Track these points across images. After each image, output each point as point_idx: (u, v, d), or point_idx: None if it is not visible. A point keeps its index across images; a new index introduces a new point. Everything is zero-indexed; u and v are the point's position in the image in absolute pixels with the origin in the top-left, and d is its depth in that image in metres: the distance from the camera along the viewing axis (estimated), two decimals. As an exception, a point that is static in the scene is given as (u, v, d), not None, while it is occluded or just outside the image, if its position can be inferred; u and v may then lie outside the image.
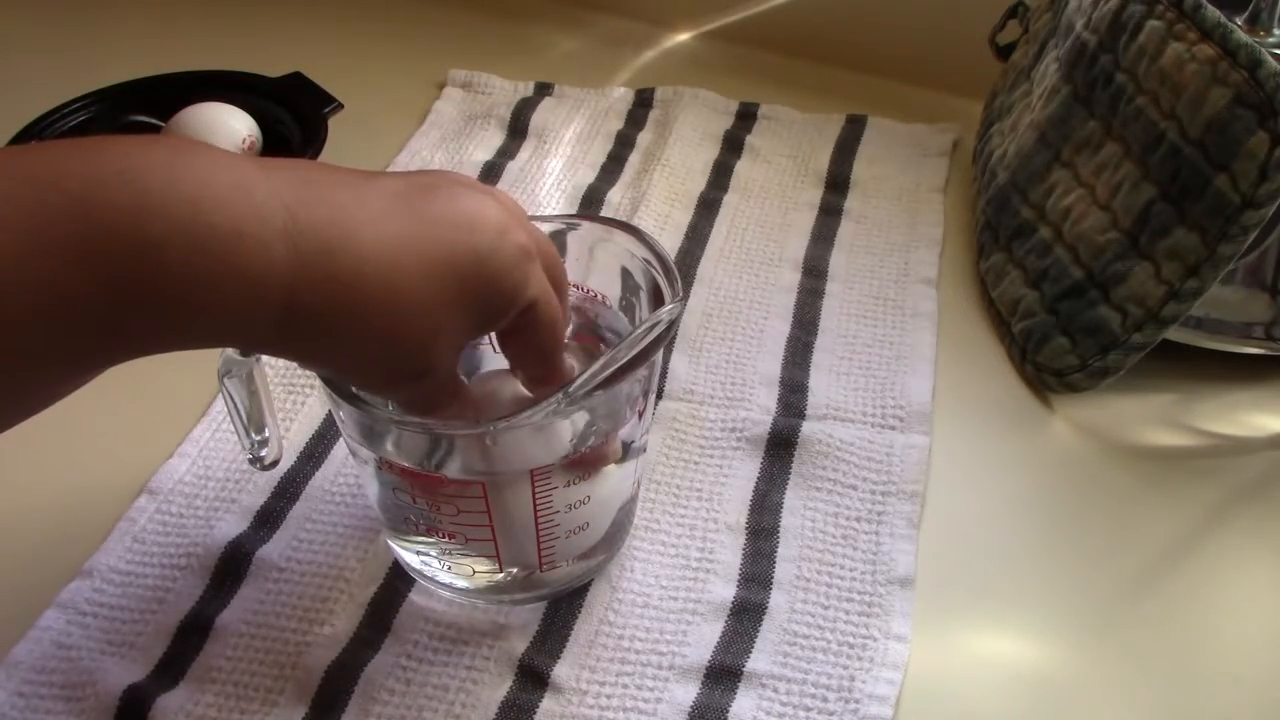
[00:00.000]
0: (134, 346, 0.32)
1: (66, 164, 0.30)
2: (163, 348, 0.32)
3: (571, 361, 0.41)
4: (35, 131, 0.66)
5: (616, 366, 0.37)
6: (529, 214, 0.40)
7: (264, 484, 0.49)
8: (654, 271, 0.42)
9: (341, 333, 0.34)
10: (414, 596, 0.45)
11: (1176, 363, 0.54)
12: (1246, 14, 0.53)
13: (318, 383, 0.43)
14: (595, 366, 0.37)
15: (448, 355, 0.37)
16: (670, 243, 0.62)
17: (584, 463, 0.41)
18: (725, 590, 0.45)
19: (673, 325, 0.39)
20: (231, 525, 0.48)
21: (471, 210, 0.36)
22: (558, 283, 0.39)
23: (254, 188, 0.32)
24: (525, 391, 0.41)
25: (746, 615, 0.44)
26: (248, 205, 0.31)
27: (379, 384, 0.38)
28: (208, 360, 0.42)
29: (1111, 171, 0.53)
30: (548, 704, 0.42)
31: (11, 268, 0.28)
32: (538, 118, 0.71)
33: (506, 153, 0.69)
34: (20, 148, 0.31)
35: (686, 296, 0.58)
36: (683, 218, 0.64)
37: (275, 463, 0.46)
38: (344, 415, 0.41)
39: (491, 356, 0.45)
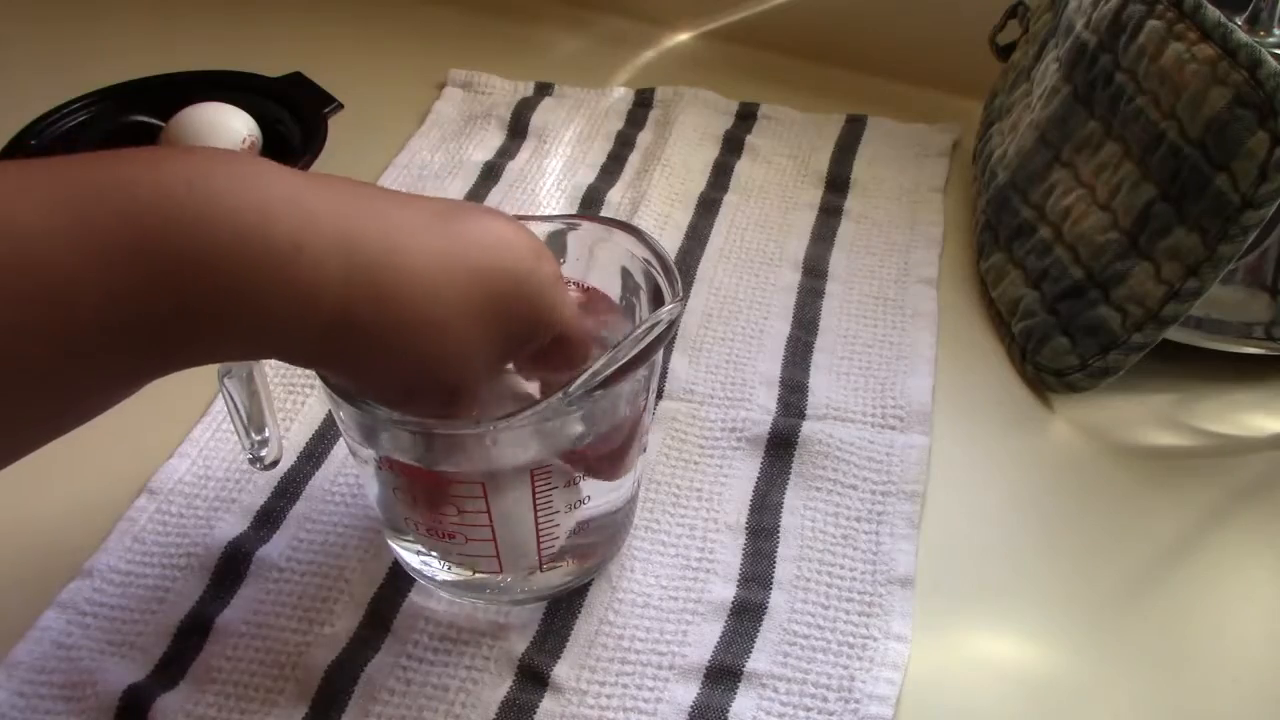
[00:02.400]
0: (184, 358, 0.32)
1: (131, 172, 0.30)
2: (210, 359, 0.32)
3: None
4: (35, 131, 0.66)
5: (616, 366, 0.37)
6: (529, 214, 0.40)
7: (264, 484, 0.49)
8: (654, 271, 0.42)
9: (384, 347, 0.34)
10: (414, 596, 0.45)
11: (1176, 363, 0.54)
12: (1246, 14, 0.53)
13: (318, 383, 0.43)
14: (595, 366, 0.37)
15: (479, 378, 0.37)
16: (670, 243, 0.62)
17: (584, 462, 0.41)
18: (725, 590, 0.45)
19: (673, 325, 0.39)
20: (231, 525, 0.48)
21: (506, 234, 0.36)
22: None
23: (309, 201, 0.32)
24: (527, 389, 0.41)
25: (746, 615, 0.44)
26: (304, 218, 0.31)
27: (408, 401, 0.37)
28: (208, 360, 0.42)
29: (1111, 171, 0.53)
30: (548, 704, 0.42)
31: (79, 277, 0.28)
32: (538, 118, 0.71)
33: (506, 153, 0.69)
34: (77, 157, 0.30)
35: (686, 296, 0.58)
36: (683, 218, 0.64)
37: (275, 463, 0.46)
38: (344, 415, 0.41)
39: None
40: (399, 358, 0.34)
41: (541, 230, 0.44)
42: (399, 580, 0.46)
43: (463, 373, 0.36)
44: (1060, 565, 0.47)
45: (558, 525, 0.42)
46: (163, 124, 0.65)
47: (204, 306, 0.30)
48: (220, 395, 0.43)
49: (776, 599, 0.45)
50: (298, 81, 0.71)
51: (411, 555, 0.45)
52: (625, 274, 0.43)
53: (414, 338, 0.34)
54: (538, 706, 0.42)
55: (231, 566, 0.46)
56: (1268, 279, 0.53)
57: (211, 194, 0.30)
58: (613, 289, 0.44)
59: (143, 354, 0.31)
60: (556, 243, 0.44)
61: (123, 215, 0.29)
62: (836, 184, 0.67)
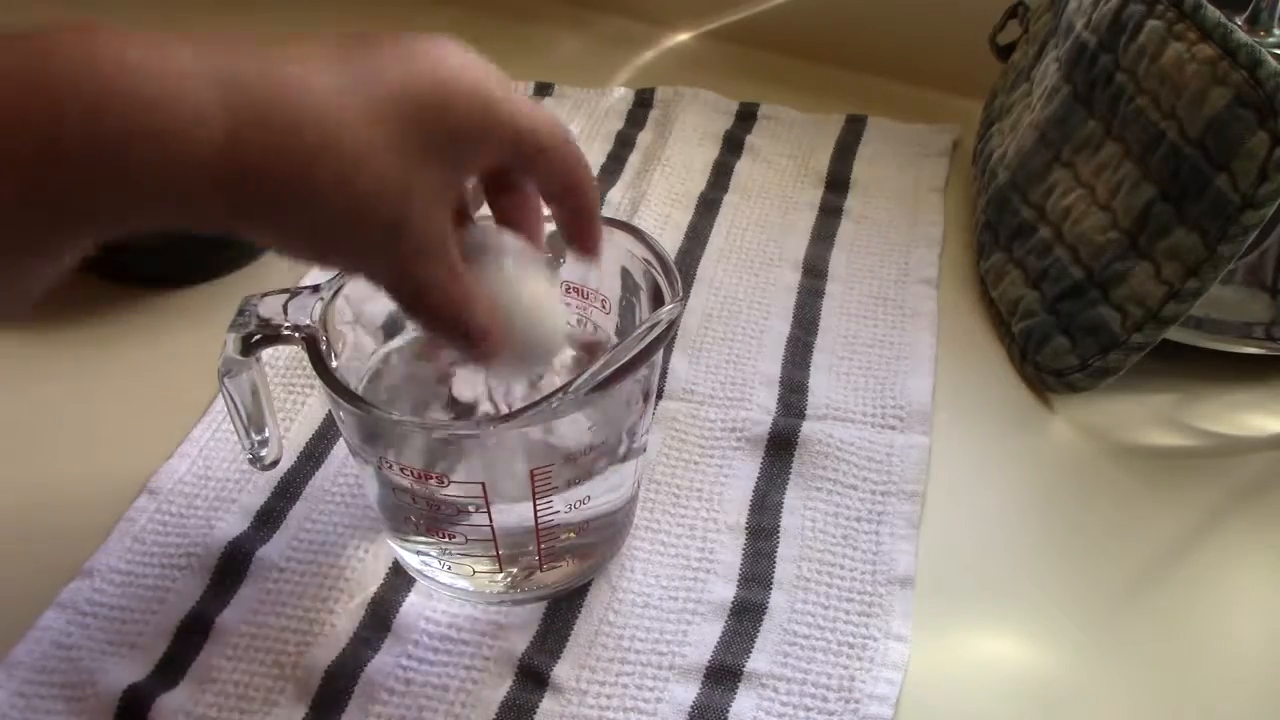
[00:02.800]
0: (77, 224, 0.31)
1: None
2: (113, 224, 0.31)
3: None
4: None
5: (616, 366, 0.37)
6: None
7: (264, 484, 0.49)
8: (654, 271, 0.42)
9: (292, 191, 0.32)
10: (414, 596, 0.45)
11: (1176, 363, 0.54)
12: (1246, 14, 0.53)
13: (318, 383, 0.43)
14: (595, 366, 0.37)
15: (427, 205, 0.34)
16: (670, 243, 0.62)
17: (584, 462, 0.41)
18: (725, 590, 0.45)
19: (673, 325, 0.39)
20: (231, 525, 0.48)
21: (428, 46, 0.34)
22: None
23: (178, 52, 0.31)
24: (513, 243, 0.39)
25: (746, 615, 0.44)
26: (175, 70, 0.30)
27: (353, 250, 0.34)
28: (208, 360, 0.42)
29: (1111, 171, 0.53)
30: (548, 704, 0.42)
31: None
32: (538, 118, 0.71)
33: (506, 153, 0.69)
34: None
35: (686, 296, 0.58)
36: (683, 218, 0.64)
37: (275, 463, 0.46)
38: (344, 416, 0.41)
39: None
40: (313, 200, 0.32)
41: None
42: (399, 580, 0.46)
43: (393, 203, 0.33)
44: (1060, 565, 0.47)
45: (558, 525, 0.42)
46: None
47: (71, 169, 0.29)
48: (220, 395, 0.43)
49: (776, 599, 0.45)
50: (298, 81, 0.71)
51: (411, 555, 0.45)
52: (625, 274, 0.43)
53: (320, 174, 0.32)
54: (538, 706, 0.42)
55: (231, 566, 0.46)
56: (1268, 279, 0.53)
57: (62, 61, 0.29)
58: (613, 289, 0.44)
59: (26, 218, 0.30)
60: (557, 242, 0.44)
61: None
62: (836, 184, 0.67)
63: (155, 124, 0.30)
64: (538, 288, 0.38)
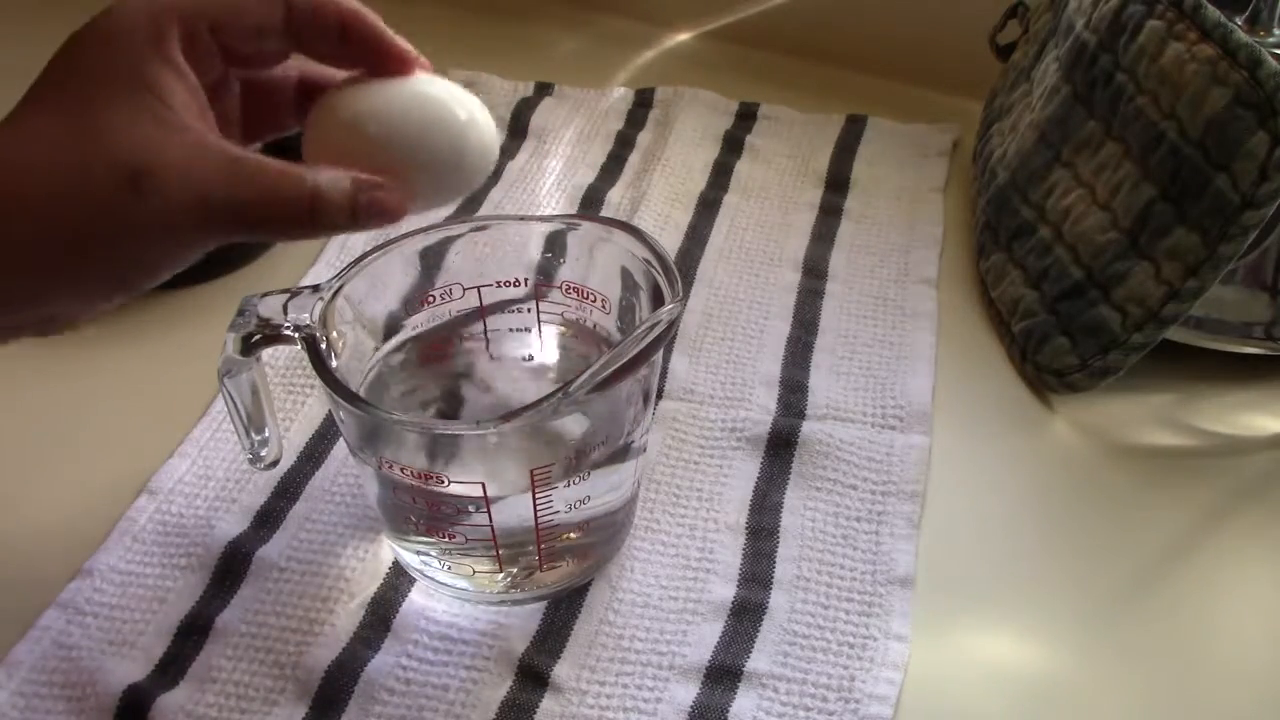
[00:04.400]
0: None
1: None
2: None
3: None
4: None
5: (616, 366, 0.37)
6: (528, 214, 0.40)
7: (264, 484, 0.49)
8: (654, 271, 0.42)
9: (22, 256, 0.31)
10: (414, 596, 0.45)
11: (1176, 363, 0.54)
12: (1246, 14, 0.53)
13: (318, 382, 0.44)
14: (595, 366, 0.37)
15: (183, 139, 0.31)
16: (670, 243, 0.62)
17: (584, 462, 0.41)
18: (725, 590, 0.45)
19: (673, 325, 0.39)
20: (231, 525, 0.48)
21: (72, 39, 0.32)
22: None
23: None
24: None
25: (746, 615, 0.44)
26: None
27: (145, 254, 0.33)
28: (208, 360, 0.42)
29: (1111, 171, 0.53)
30: (548, 704, 0.42)
31: None
32: (538, 118, 0.71)
33: (506, 153, 0.69)
34: None
35: (686, 296, 0.58)
36: (683, 218, 0.64)
37: (275, 463, 0.46)
38: (344, 416, 0.41)
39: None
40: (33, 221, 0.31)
41: (541, 230, 0.44)
42: (399, 580, 0.46)
43: (144, 152, 0.31)
44: (1060, 565, 0.47)
45: (558, 525, 0.42)
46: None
47: None
48: (220, 395, 0.43)
49: (776, 599, 0.45)
50: (298, 81, 0.71)
51: (411, 555, 0.45)
52: (625, 274, 0.43)
53: (21, 213, 0.31)
54: (538, 706, 0.42)
55: (231, 566, 0.46)
56: (1268, 279, 0.53)
57: None
58: (613, 289, 0.44)
59: None
60: (557, 243, 0.44)
61: None
62: (836, 184, 0.67)
63: None
64: (411, 99, 0.35)
